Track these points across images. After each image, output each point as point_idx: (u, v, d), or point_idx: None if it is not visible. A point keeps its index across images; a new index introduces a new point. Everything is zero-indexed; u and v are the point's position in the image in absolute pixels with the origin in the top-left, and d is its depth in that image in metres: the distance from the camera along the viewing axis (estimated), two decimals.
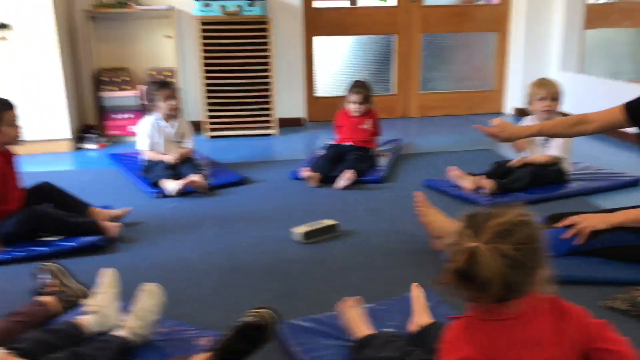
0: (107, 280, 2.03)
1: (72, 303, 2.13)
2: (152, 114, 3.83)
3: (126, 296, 2.06)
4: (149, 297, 1.96)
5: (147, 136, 3.78)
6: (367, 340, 1.79)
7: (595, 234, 2.42)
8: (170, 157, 3.72)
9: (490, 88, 5.93)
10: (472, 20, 5.71)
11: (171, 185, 3.49)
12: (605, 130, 2.67)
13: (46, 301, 2.10)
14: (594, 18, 5.04)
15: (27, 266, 2.38)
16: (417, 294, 2.01)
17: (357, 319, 1.93)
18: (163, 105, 3.76)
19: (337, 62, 5.78)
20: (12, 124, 2.77)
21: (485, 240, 1.20)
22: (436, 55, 5.88)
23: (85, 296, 2.12)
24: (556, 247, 2.46)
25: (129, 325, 1.89)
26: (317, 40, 5.54)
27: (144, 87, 3.82)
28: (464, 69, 6.03)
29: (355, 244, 2.78)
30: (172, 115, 3.82)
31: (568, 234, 2.45)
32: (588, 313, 1.36)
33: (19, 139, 2.85)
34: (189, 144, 3.91)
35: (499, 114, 5.67)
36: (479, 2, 5.86)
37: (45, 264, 2.27)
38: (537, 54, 5.58)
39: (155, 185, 3.58)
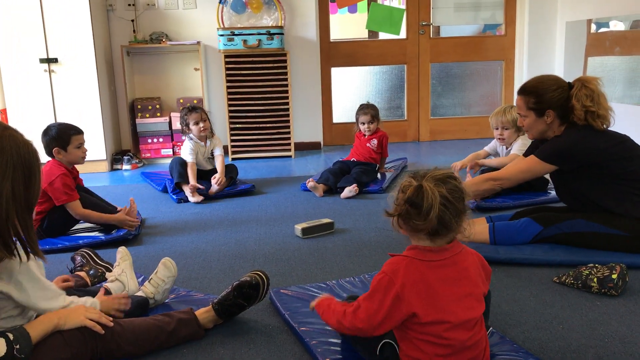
0: (120, 256, 2.46)
1: (99, 277, 2.56)
2: (187, 136, 4.31)
3: (148, 274, 2.48)
4: (164, 269, 2.37)
5: (189, 153, 4.23)
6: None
7: (555, 221, 2.76)
8: (194, 200, 4.00)
9: None
10: (478, 51, 6.11)
11: (192, 197, 3.95)
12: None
13: (80, 275, 2.54)
14: (595, 46, 5.36)
15: (68, 254, 2.83)
16: None
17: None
18: (194, 128, 4.24)
19: (353, 90, 6.20)
20: (78, 147, 3.27)
21: (427, 181, 1.59)
22: (446, 83, 6.25)
23: (109, 272, 2.55)
24: (522, 235, 2.83)
25: (145, 290, 2.31)
26: (335, 71, 6.01)
27: (178, 114, 4.36)
28: (472, 95, 6.36)
29: (347, 238, 3.15)
30: (203, 135, 4.29)
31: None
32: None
33: (84, 159, 3.33)
34: (218, 151, 4.34)
35: None
36: (486, 34, 6.25)
37: (80, 250, 2.73)
38: None
39: (177, 187, 4.10)
